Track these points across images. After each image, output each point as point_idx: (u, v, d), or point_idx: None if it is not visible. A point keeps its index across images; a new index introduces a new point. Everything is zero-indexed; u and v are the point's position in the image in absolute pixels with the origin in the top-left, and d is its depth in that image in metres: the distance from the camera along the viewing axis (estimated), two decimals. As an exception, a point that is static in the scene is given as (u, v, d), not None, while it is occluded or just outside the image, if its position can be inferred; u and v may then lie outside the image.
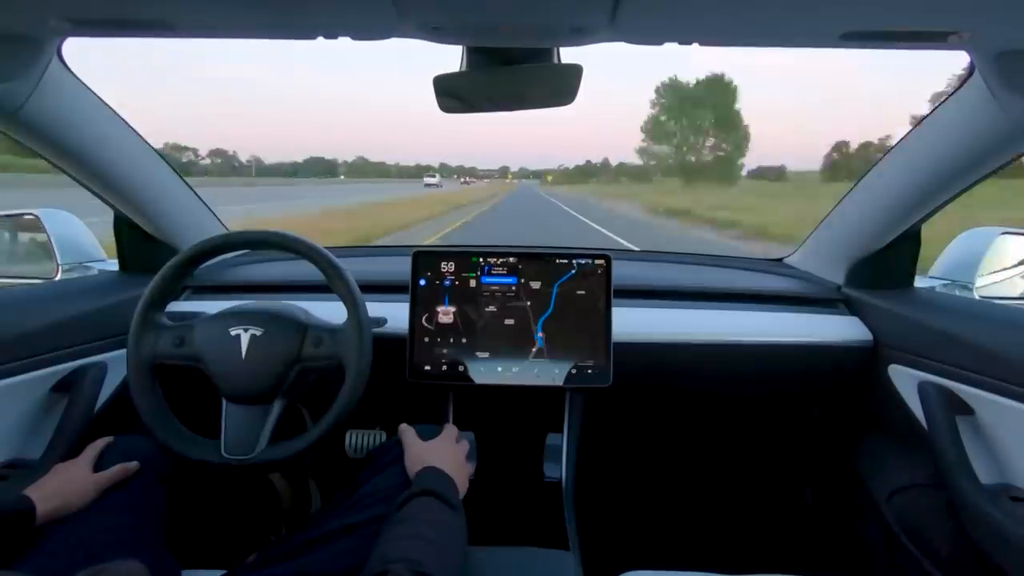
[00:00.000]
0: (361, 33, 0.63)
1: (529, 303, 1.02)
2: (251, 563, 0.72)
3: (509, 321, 1.01)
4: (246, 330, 0.82)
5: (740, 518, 1.40)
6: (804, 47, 0.66)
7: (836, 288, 1.17)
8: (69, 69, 0.81)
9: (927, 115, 0.88)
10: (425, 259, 1.03)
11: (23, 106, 0.76)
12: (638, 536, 1.36)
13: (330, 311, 0.93)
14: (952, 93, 0.81)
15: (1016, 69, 0.67)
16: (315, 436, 0.82)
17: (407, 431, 0.82)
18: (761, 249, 8.30)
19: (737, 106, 50.42)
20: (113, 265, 1.19)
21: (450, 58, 0.73)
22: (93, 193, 1.00)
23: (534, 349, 1.01)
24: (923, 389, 0.93)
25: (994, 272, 1.23)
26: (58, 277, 1.19)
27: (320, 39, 0.63)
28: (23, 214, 1.28)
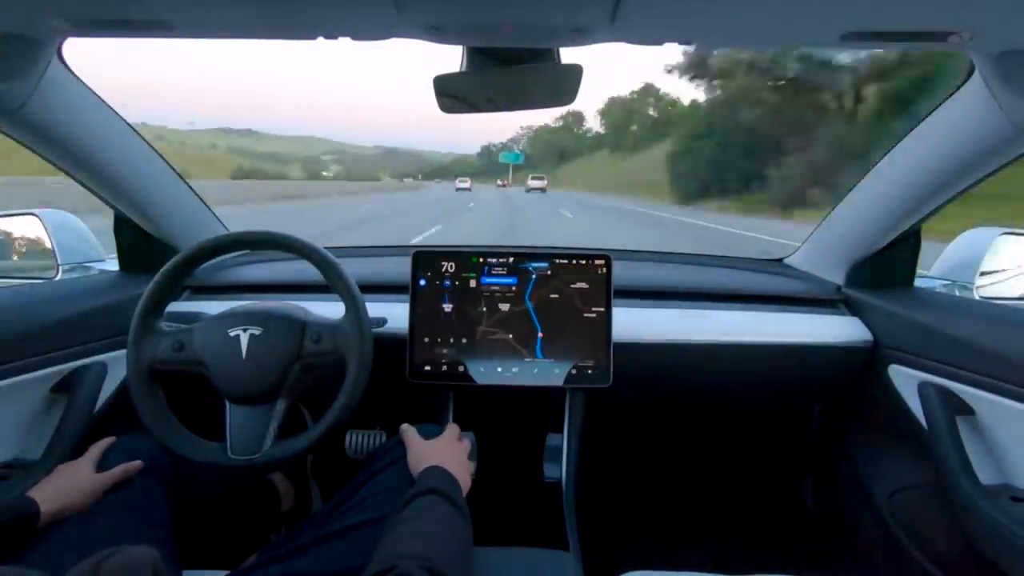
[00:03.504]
0: (361, 33, 0.63)
1: (529, 303, 1.02)
2: (252, 563, 0.72)
3: (509, 321, 1.01)
4: (245, 330, 0.82)
5: (740, 518, 1.40)
6: (804, 47, 0.67)
7: (836, 288, 1.17)
8: (69, 69, 0.81)
9: (927, 115, 0.88)
10: (425, 259, 1.03)
11: (23, 106, 0.76)
12: (638, 536, 1.36)
13: (330, 311, 0.93)
14: (952, 93, 0.81)
15: (1016, 69, 0.67)
16: (320, 431, 0.82)
17: (409, 431, 0.82)
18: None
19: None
20: (113, 265, 1.19)
21: (450, 58, 0.73)
22: (93, 193, 1.00)
23: (534, 349, 1.01)
24: (923, 389, 0.93)
25: (994, 272, 1.23)
26: (58, 277, 1.19)
27: (320, 39, 0.63)
28: (23, 214, 1.28)
